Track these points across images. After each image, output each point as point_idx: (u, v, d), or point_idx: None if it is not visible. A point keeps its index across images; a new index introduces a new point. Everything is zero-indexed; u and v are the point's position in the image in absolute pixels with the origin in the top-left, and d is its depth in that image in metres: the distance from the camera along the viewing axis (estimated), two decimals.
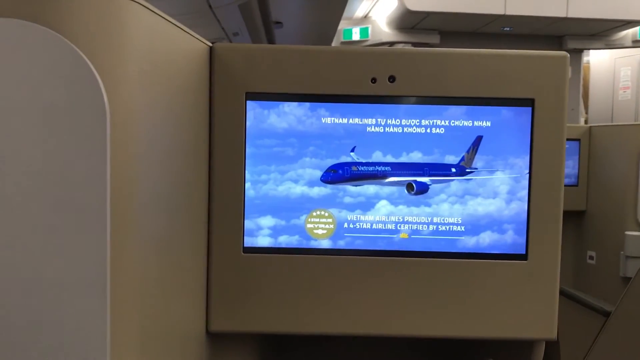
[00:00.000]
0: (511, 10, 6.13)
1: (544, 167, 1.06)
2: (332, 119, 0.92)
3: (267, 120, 0.89)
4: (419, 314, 1.07)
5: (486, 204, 0.92)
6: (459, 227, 0.98)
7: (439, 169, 0.86)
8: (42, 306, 0.65)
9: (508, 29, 6.73)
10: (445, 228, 0.98)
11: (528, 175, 1.01)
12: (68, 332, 0.66)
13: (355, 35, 7.16)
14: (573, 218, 3.05)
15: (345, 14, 5.56)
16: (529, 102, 1.06)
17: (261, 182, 0.93)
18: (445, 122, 0.94)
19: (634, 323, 2.03)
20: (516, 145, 0.96)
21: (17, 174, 0.64)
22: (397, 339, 1.10)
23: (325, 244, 0.97)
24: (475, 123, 0.94)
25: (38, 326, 0.65)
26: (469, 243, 0.97)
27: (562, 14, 6.28)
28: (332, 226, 0.90)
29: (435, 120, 0.96)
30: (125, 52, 0.73)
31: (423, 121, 0.95)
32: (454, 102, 1.06)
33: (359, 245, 1.00)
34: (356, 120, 0.96)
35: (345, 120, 0.94)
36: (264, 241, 0.94)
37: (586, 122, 8.92)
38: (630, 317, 2.06)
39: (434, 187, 0.91)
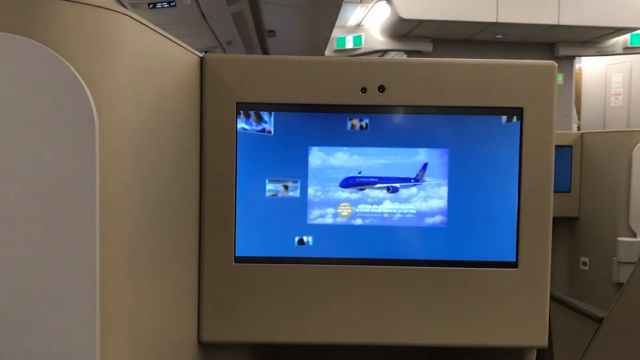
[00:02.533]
0: (503, 18, 6.18)
1: (533, 175, 1.07)
2: (356, 157, 1.08)
3: (328, 161, 1.08)
4: (410, 323, 1.08)
5: (432, 201, 1.08)
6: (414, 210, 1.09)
7: (405, 180, 1.07)
8: (31, 316, 0.65)
9: (500, 36, 6.78)
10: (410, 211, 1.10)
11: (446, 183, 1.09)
12: (56, 341, 0.66)
13: (349, 44, 7.20)
14: (566, 224, 3.06)
15: (339, 22, 5.59)
16: (518, 111, 1.06)
17: (326, 191, 1.05)
18: (405, 158, 1.09)
19: (627, 329, 2.04)
20: (441, 172, 1.08)
21: (5, 184, 0.64)
22: (390, 346, 1.11)
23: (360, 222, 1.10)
24: (417, 158, 1.08)
25: (26, 335, 0.65)
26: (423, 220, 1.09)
27: (553, 22, 6.33)
28: (350, 210, 1.09)
29: (401, 157, 1.08)
30: (115, 63, 0.73)
31: (396, 157, 1.09)
32: (442, 111, 1.07)
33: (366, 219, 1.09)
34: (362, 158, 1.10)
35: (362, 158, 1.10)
36: (329, 220, 1.08)
37: (579, 128, 8.98)
38: (622, 322, 2.07)
39: (402, 190, 1.09)
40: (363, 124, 1.08)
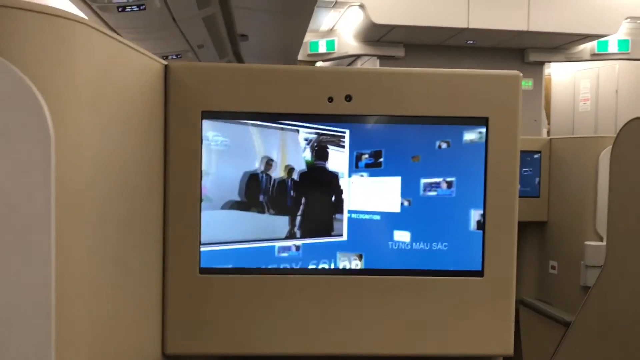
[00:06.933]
0: (474, 24, 6.25)
1: (498, 184, 1.08)
2: None
3: None
4: (376, 333, 1.07)
5: None
6: None
7: None
8: None
9: (472, 42, 6.85)
10: None
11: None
12: (10, 358, 0.64)
13: (322, 48, 7.21)
14: (535, 228, 3.09)
15: (312, 26, 5.59)
16: (483, 121, 1.07)
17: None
18: None
19: (593, 332, 2.07)
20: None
21: None
22: (358, 356, 1.10)
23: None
24: None
25: None
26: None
27: (523, 28, 6.42)
28: None
29: None
30: (74, 74, 0.71)
31: None
32: (409, 121, 1.07)
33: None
34: None
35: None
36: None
37: (549, 132, 9.13)
38: (589, 326, 2.10)
39: None
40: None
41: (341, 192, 1.05)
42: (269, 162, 0.91)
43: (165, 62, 1.04)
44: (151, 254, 0.99)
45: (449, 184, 1.07)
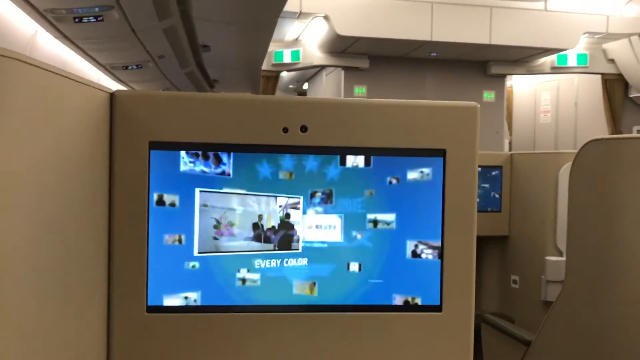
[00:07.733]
0: (437, 37, 6.32)
1: (455, 216, 1.06)
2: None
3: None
4: None
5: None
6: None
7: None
8: None
9: (435, 54, 6.92)
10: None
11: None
12: None
13: (287, 58, 7.20)
14: (497, 243, 3.12)
15: (276, 36, 5.56)
16: (441, 153, 1.05)
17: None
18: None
19: (553, 351, 2.08)
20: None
21: None
22: None
23: None
24: None
25: None
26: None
27: (485, 41, 6.53)
28: None
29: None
30: (5, 115, 0.66)
31: None
32: (365, 152, 1.04)
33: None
34: None
35: None
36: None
37: (510, 143, 9.29)
38: (549, 345, 2.10)
39: None
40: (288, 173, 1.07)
41: (296, 232, 1.09)
42: (260, 216, 1.09)
43: (110, 91, 0.99)
44: (96, 298, 0.94)
45: (394, 218, 1.06)
